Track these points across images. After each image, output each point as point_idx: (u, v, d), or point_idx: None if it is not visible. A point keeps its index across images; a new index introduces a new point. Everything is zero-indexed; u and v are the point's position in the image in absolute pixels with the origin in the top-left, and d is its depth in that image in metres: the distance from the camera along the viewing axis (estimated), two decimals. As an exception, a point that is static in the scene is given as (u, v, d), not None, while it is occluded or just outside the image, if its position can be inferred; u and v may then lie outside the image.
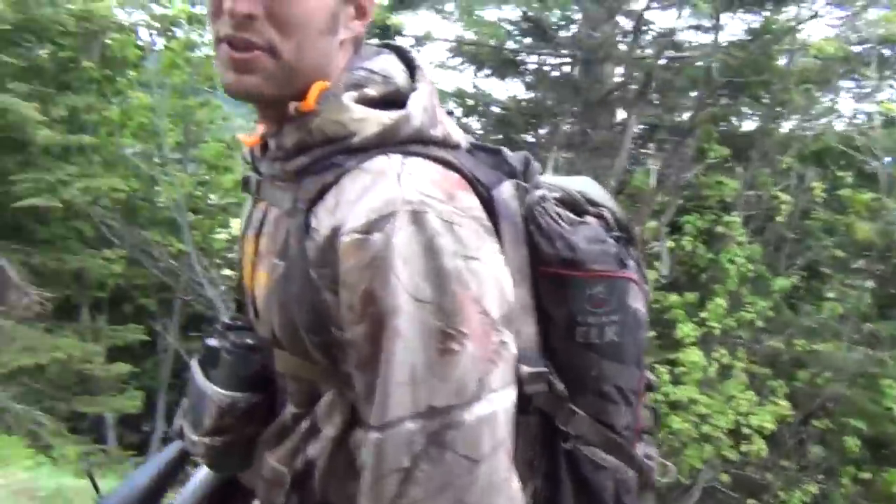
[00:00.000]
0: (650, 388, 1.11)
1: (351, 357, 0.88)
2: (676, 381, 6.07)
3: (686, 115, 7.77)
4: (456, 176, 0.93)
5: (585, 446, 0.99)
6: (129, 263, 9.08)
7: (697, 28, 7.71)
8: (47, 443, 7.13)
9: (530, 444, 0.98)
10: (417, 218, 0.84)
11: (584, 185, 1.09)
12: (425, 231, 0.84)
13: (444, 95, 7.73)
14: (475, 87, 8.47)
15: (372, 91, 0.96)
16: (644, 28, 7.71)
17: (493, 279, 0.87)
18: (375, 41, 1.05)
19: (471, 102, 8.33)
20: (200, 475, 1.15)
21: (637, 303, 1.01)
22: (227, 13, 0.91)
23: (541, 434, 0.98)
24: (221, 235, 9.55)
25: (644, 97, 7.24)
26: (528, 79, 8.50)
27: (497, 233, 0.93)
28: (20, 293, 7.98)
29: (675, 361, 6.14)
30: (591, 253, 0.97)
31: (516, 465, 0.88)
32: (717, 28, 7.13)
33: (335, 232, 0.87)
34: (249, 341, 1.03)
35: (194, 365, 1.06)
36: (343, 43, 0.98)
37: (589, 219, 1.03)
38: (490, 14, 8.17)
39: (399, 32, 7.52)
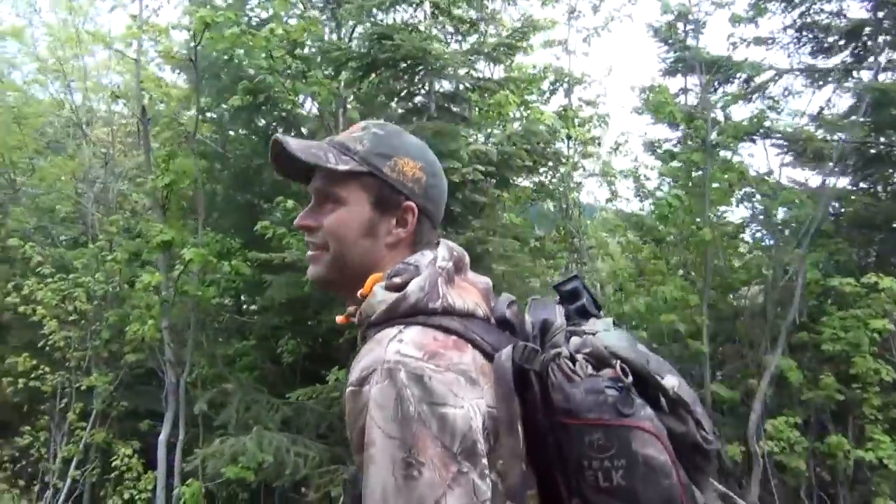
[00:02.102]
0: None
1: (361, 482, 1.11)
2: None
3: None
4: (452, 338, 1.17)
5: None
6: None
7: None
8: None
9: None
10: (390, 374, 1.09)
11: (613, 338, 1.22)
12: (395, 383, 1.09)
13: None
14: None
15: (398, 279, 1.24)
16: None
17: (458, 421, 1.08)
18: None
19: None
20: None
21: (646, 449, 1.11)
22: (294, 225, 1.35)
23: None
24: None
25: None
26: None
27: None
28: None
29: None
30: (585, 403, 1.12)
31: None
32: None
33: (346, 386, 1.16)
34: (355, 472, 1.24)
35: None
36: (393, 244, 1.32)
37: (604, 371, 1.17)
38: None
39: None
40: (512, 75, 8.25)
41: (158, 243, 6.97)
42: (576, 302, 1.36)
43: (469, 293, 1.29)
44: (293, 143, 1.32)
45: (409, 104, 6.93)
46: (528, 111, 8.72)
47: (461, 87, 6.95)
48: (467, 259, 1.36)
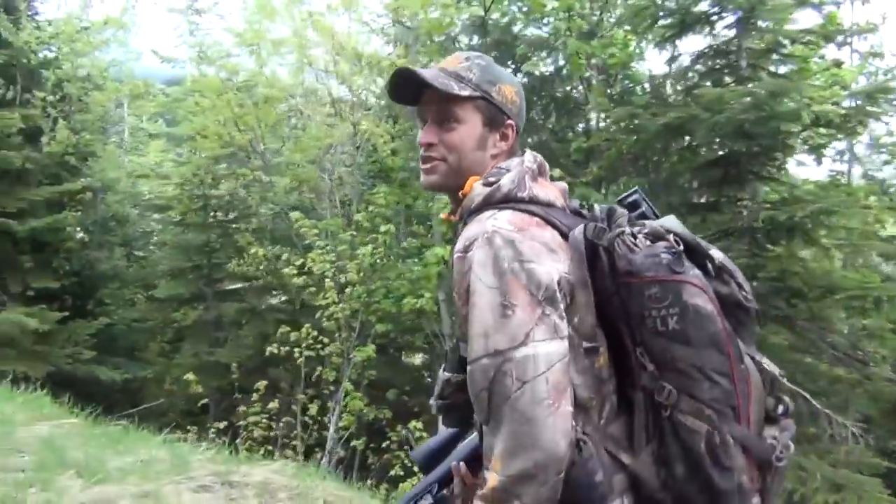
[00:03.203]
0: (777, 384, 1.45)
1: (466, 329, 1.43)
2: None
3: None
4: (535, 219, 1.46)
5: (681, 414, 1.36)
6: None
7: None
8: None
9: (644, 413, 1.41)
10: (489, 240, 1.40)
11: (666, 220, 1.50)
12: (493, 246, 1.39)
13: None
14: None
15: (492, 178, 1.54)
16: None
17: (542, 275, 1.38)
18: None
19: None
20: (468, 439, 1.69)
21: (695, 299, 1.36)
22: (419, 143, 1.61)
23: (651, 406, 1.40)
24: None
25: None
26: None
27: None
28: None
29: None
30: (645, 265, 1.38)
31: (635, 431, 1.42)
32: None
33: (452, 254, 1.49)
34: (458, 341, 1.60)
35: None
36: (496, 155, 1.60)
37: (660, 243, 1.42)
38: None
39: None
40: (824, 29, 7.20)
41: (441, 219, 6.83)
42: (636, 210, 1.59)
43: (550, 189, 1.56)
44: (427, 73, 1.57)
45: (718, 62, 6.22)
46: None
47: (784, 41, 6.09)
48: (547, 167, 1.62)
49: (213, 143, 11.95)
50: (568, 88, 9.86)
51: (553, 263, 1.40)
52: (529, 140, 8.97)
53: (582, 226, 1.44)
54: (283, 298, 13.11)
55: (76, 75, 12.75)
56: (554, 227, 1.47)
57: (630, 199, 1.62)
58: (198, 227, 14.11)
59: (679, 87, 8.09)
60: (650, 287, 1.36)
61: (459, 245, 1.43)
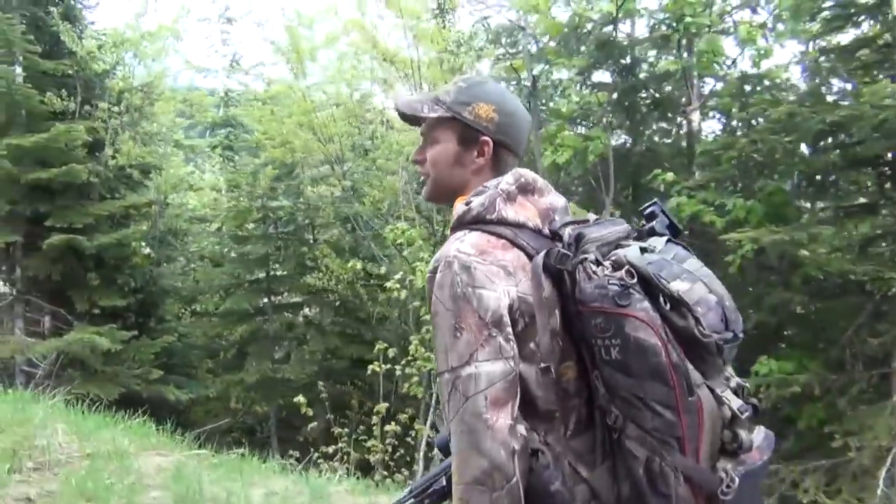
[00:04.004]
0: (735, 419, 1.44)
1: None
2: None
3: None
4: (502, 241, 1.54)
5: (627, 439, 1.44)
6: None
7: None
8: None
9: (602, 430, 1.50)
10: (448, 264, 1.49)
11: (632, 251, 1.50)
12: (451, 271, 1.49)
13: None
14: None
15: (471, 197, 1.62)
16: None
17: (491, 300, 1.47)
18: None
19: None
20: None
21: (638, 332, 1.39)
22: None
23: (604, 425, 1.49)
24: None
25: None
26: None
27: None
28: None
29: None
30: (592, 295, 1.43)
31: (594, 446, 1.51)
32: None
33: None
34: None
35: None
36: (477, 170, 1.69)
37: (617, 273, 1.44)
38: None
39: None
40: None
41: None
42: (650, 222, 1.63)
43: (526, 210, 1.61)
44: (400, 101, 1.78)
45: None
46: None
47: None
48: (539, 183, 1.67)
49: (277, 152, 11.55)
50: (669, 88, 9.37)
51: (507, 287, 1.49)
52: (635, 143, 8.45)
53: (544, 252, 1.51)
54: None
55: (135, 85, 12.38)
56: (521, 248, 1.55)
57: (647, 211, 1.67)
58: (257, 240, 13.71)
59: (826, 84, 7.61)
60: (595, 317, 1.43)
61: (431, 265, 1.55)
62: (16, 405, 6.53)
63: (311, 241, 13.13)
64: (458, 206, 1.62)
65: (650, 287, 1.44)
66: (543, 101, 9.75)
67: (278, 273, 13.68)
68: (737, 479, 1.41)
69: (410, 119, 1.75)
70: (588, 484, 1.49)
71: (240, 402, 13.06)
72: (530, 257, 1.52)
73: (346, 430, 8.44)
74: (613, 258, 1.48)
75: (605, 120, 8.33)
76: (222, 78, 16.39)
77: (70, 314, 11.32)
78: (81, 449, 5.26)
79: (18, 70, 11.01)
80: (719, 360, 1.46)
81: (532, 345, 1.49)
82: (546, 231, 1.61)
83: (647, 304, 1.41)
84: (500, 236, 1.54)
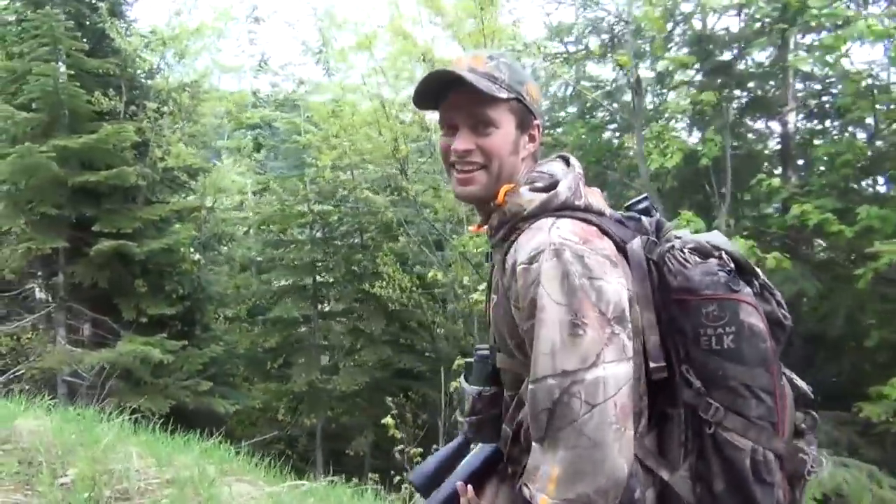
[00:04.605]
0: (805, 398, 1.48)
1: (527, 344, 1.39)
2: None
3: None
4: (594, 229, 1.42)
5: (725, 431, 1.37)
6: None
7: None
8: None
9: (682, 429, 1.41)
10: (557, 253, 1.35)
11: (712, 236, 1.50)
12: (562, 260, 1.34)
13: None
14: None
15: (539, 183, 1.51)
16: None
17: (610, 293, 1.33)
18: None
19: None
20: (470, 455, 1.67)
21: (750, 318, 1.37)
22: (453, 151, 1.52)
23: (692, 422, 1.40)
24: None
25: None
26: None
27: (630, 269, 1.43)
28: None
29: None
30: (703, 282, 1.39)
31: (671, 447, 1.41)
32: None
33: (514, 265, 1.42)
34: (485, 352, 1.66)
35: (462, 377, 1.74)
36: (524, 158, 1.55)
37: (710, 260, 1.43)
38: None
39: None
40: None
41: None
42: (650, 217, 1.57)
43: (598, 196, 1.53)
44: (471, 77, 1.47)
45: None
46: None
47: None
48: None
49: (332, 154, 11.04)
50: (769, 86, 8.73)
51: (618, 279, 1.37)
52: (730, 142, 7.80)
53: (639, 239, 1.45)
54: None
55: (182, 84, 11.90)
56: (609, 236, 1.44)
57: (641, 206, 1.59)
58: (302, 245, 13.19)
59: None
60: (708, 305, 1.37)
61: (523, 255, 1.39)
62: (79, 424, 6.10)
63: (364, 248, 12.59)
64: (526, 192, 1.49)
65: (743, 272, 1.44)
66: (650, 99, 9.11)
67: (328, 279, 13.15)
68: (823, 461, 1.46)
69: (430, 99, 1.55)
70: (656, 486, 1.42)
71: (287, 413, 12.52)
72: (618, 246, 1.44)
73: (401, 446, 7.85)
74: (693, 245, 1.45)
75: (718, 120, 7.66)
76: (249, 78, 16.00)
77: (115, 322, 10.83)
78: (160, 474, 4.83)
79: (62, 68, 10.56)
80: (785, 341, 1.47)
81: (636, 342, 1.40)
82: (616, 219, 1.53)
83: (748, 289, 1.41)
84: (590, 223, 1.44)
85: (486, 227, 1.58)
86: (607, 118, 10.03)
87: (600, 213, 1.48)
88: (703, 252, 1.43)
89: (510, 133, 1.51)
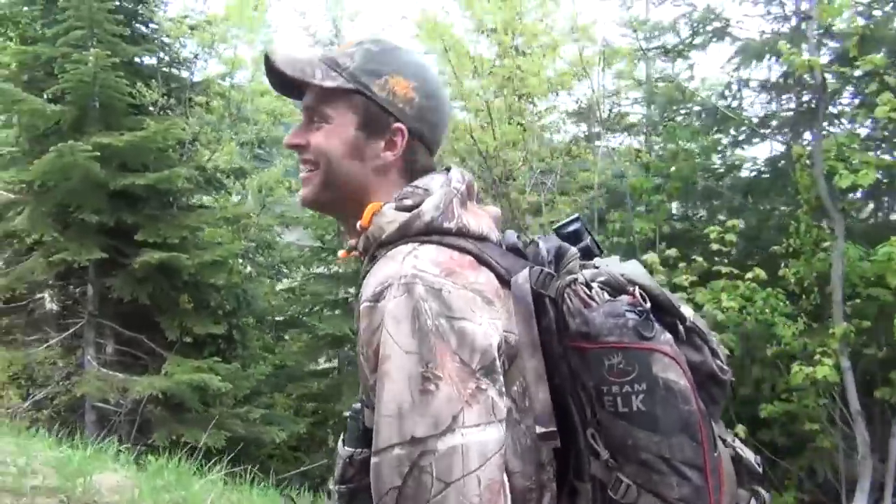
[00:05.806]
0: (752, 472, 1.19)
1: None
2: None
3: None
4: (468, 258, 1.15)
5: None
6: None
7: None
8: None
9: None
10: (408, 287, 1.06)
11: (627, 268, 1.17)
12: (413, 297, 1.05)
13: None
14: None
15: (409, 200, 1.20)
16: None
17: (478, 337, 1.05)
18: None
19: None
20: None
21: (667, 373, 1.06)
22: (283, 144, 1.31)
23: (601, 501, 1.09)
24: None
25: None
26: None
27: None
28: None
29: None
30: (605, 326, 1.07)
31: None
32: None
33: (358, 302, 1.12)
34: (357, 407, 1.30)
35: (340, 438, 1.35)
36: (382, 169, 1.24)
37: (622, 297, 1.11)
38: None
39: None
40: None
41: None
42: (578, 243, 1.28)
43: (482, 218, 1.25)
44: (280, 57, 1.26)
45: None
46: None
47: None
48: (476, 187, 1.30)
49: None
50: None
51: (491, 320, 1.10)
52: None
53: (526, 271, 1.15)
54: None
55: (221, 76, 10.73)
56: (489, 268, 1.16)
57: (570, 229, 1.31)
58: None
59: None
60: (611, 355, 1.07)
61: (368, 291, 1.11)
62: (156, 477, 5.10)
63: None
64: (388, 211, 1.19)
65: (663, 313, 1.13)
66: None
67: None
68: None
69: (290, 85, 1.27)
70: None
71: (336, 438, 11.44)
72: (501, 280, 1.16)
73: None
74: (603, 278, 1.15)
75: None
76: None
77: (151, 341, 9.64)
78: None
79: (92, 58, 9.32)
80: (724, 400, 1.20)
81: (507, 399, 1.08)
82: (504, 246, 1.23)
83: (668, 335, 1.11)
84: (463, 251, 1.16)
85: (354, 252, 1.28)
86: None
87: (481, 238, 1.19)
88: (616, 287, 1.14)
89: (346, 133, 1.24)
